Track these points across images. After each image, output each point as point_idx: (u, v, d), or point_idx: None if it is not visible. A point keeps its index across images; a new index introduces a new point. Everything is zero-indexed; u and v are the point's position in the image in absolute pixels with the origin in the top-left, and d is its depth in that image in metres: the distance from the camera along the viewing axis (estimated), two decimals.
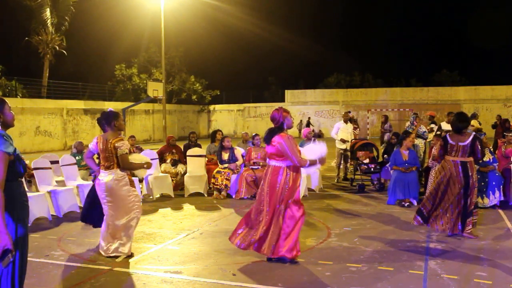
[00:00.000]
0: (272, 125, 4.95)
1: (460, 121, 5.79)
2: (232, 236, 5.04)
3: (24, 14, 27.55)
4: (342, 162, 10.71)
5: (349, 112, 11.69)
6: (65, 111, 24.29)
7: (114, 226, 5.04)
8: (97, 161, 5.59)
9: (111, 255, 5.07)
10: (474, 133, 5.84)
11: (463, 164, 5.70)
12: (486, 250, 5.22)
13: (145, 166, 5.20)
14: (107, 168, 4.98)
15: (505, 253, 5.11)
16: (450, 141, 5.80)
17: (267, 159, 4.97)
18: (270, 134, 4.87)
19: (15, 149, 3.03)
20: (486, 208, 7.35)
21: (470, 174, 5.68)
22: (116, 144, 4.91)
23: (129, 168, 5.04)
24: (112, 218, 5.03)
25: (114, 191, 4.95)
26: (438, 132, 9.36)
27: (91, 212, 5.89)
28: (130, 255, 5.14)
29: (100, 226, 5.37)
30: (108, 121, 5.05)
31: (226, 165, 8.98)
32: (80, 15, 29.83)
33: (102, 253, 5.14)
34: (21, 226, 3.04)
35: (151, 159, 5.75)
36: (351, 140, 10.34)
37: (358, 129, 11.57)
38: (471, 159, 5.73)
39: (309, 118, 31.83)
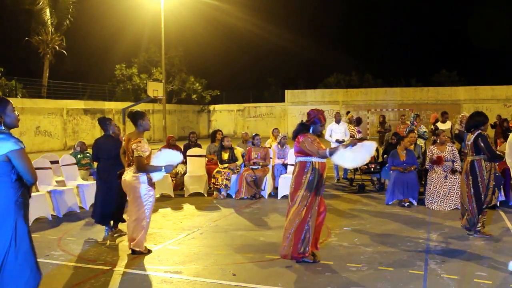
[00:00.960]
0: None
1: (470, 118, 5.92)
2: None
3: (24, 14, 27.55)
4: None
5: (348, 112, 11.57)
6: (65, 111, 24.29)
7: (129, 221, 5.22)
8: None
9: (135, 249, 5.22)
10: (478, 131, 5.86)
11: (472, 163, 5.79)
12: (486, 250, 5.22)
13: (162, 169, 5.11)
14: (129, 165, 5.24)
15: (505, 253, 5.11)
16: (466, 141, 5.96)
17: (295, 157, 5.01)
18: (297, 132, 4.95)
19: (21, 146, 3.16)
20: (486, 208, 7.34)
21: (478, 172, 5.73)
22: (133, 146, 5.06)
23: (142, 170, 5.08)
24: (129, 213, 5.25)
25: (131, 187, 5.12)
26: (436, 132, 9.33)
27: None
28: (147, 252, 5.25)
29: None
30: (134, 120, 5.24)
31: (226, 164, 8.98)
32: (80, 15, 29.81)
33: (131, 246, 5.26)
34: (22, 222, 3.12)
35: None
36: (349, 139, 10.30)
37: (360, 134, 11.08)
38: (481, 157, 5.77)
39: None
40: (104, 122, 6.29)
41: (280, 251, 4.91)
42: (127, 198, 5.35)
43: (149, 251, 5.30)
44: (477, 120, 5.81)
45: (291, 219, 4.82)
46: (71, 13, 28.33)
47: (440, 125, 10.38)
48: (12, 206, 3.03)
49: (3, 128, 3.08)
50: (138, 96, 31.50)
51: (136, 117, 5.22)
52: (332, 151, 4.70)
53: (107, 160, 6.13)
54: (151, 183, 5.20)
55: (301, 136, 4.85)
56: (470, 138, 5.80)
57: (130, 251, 5.24)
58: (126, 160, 5.34)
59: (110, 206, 6.06)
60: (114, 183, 5.83)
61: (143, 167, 5.05)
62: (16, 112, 3.22)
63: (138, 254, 5.18)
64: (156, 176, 5.21)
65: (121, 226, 6.26)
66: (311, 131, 4.93)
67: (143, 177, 5.11)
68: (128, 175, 5.17)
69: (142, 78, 31.77)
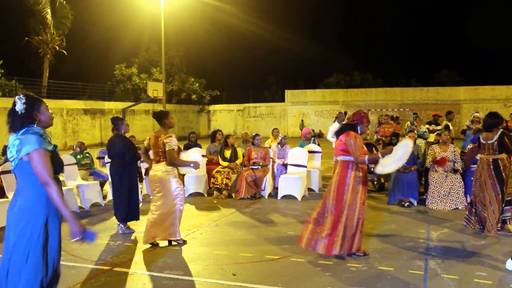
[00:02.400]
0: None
1: (490, 118, 5.98)
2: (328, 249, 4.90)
3: (24, 14, 27.56)
4: None
5: (345, 112, 11.48)
6: (65, 111, 24.29)
7: (161, 214, 5.42)
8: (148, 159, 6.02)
9: (157, 242, 5.55)
10: (501, 130, 5.98)
11: (494, 161, 5.87)
12: (486, 250, 5.22)
13: (191, 165, 5.42)
14: (158, 162, 5.48)
15: (505, 253, 5.11)
16: (482, 140, 6.03)
17: (334, 156, 5.04)
18: (341, 131, 5.00)
19: (54, 147, 3.16)
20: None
21: (500, 170, 5.83)
22: (164, 140, 5.35)
23: (175, 163, 5.39)
24: (157, 208, 5.44)
25: (163, 182, 5.40)
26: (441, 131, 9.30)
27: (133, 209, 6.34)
28: (183, 242, 5.64)
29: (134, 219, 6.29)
30: (159, 119, 5.51)
31: (226, 163, 8.98)
32: (80, 15, 29.82)
33: (156, 241, 5.56)
34: (52, 221, 3.22)
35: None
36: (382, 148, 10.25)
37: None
38: (503, 156, 5.87)
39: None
40: (116, 122, 6.45)
41: (335, 250, 4.84)
42: (156, 192, 5.52)
43: (184, 242, 5.67)
44: (496, 121, 5.95)
45: (347, 218, 4.82)
46: (71, 13, 28.27)
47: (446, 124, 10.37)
48: (44, 201, 3.11)
49: (35, 126, 3.10)
50: (138, 96, 31.51)
51: (161, 117, 5.50)
52: (371, 160, 4.80)
53: (119, 159, 6.27)
54: (180, 178, 5.54)
55: (344, 136, 4.89)
56: (492, 137, 5.90)
57: (135, 249, 5.24)
58: (154, 157, 5.57)
59: (124, 203, 6.25)
60: (127, 181, 6.22)
61: (175, 160, 5.36)
62: (50, 111, 3.27)
63: (174, 245, 5.55)
64: (184, 170, 5.57)
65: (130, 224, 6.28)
66: (358, 129, 4.99)
67: (173, 172, 5.45)
68: (159, 170, 5.43)
69: (142, 78, 31.77)
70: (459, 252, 5.17)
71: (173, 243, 5.63)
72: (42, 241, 3.11)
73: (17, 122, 3.03)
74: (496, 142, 5.86)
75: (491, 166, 5.90)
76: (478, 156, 6.14)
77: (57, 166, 3.16)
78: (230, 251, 5.35)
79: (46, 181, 2.96)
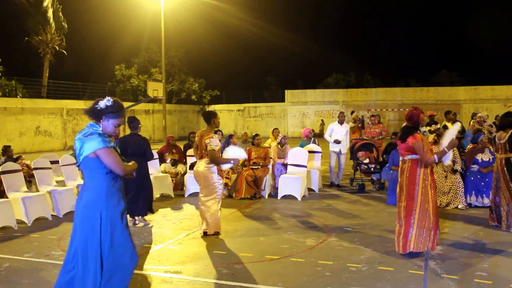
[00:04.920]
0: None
1: (505, 117, 6.11)
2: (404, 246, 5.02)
3: (24, 14, 27.55)
4: (336, 165, 9.95)
5: (352, 112, 11.36)
6: (65, 111, 24.28)
7: (203, 206, 5.88)
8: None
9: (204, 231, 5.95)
10: None
11: (507, 160, 5.99)
12: (486, 250, 5.22)
13: (231, 162, 5.83)
14: (201, 157, 5.93)
15: (505, 253, 5.11)
16: (496, 140, 6.15)
17: (401, 156, 5.18)
18: (405, 133, 5.09)
19: (115, 144, 3.44)
20: (486, 208, 7.34)
21: None
22: (206, 141, 5.79)
23: (214, 162, 5.82)
24: (201, 201, 5.90)
25: (204, 177, 5.84)
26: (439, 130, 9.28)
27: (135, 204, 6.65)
28: (218, 233, 5.97)
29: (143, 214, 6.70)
30: (208, 118, 5.96)
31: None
32: (80, 15, 29.84)
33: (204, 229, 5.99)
34: (113, 210, 3.36)
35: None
36: (352, 140, 10.27)
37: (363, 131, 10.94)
38: None
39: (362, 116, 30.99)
40: (134, 121, 6.87)
41: (414, 247, 4.95)
42: (201, 186, 5.94)
43: (218, 233, 5.99)
44: (509, 120, 6.05)
45: (421, 215, 4.93)
46: (71, 13, 28.28)
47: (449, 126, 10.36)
48: (103, 196, 3.33)
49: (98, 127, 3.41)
50: (137, 97, 31.51)
51: (210, 116, 5.97)
52: (440, 156, 5.02)
53: (141, 157, 6.54)
54: (220, 173, 6.04)
55: (412, 139, 4.98)
56: (504, 136, 6.00)
57: None
58: (198, 153, 6.02)
59: (145, 198, 6.69)
60: (148, 177, 6.84)
61: (216, 159, 5.78)
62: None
63: (213, 235, 5.92)
64: (225, 166, 5.98)
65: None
66: (420, 128, 5.21)
67: (214, 168, 5.87)
68: (201, 166, 5.86)
69: (140, 79, 31.76)
70: (459, 252, 5.17)
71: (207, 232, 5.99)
72: (106, 231, 3.31)
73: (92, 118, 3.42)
74: (507, 141, 5.97)
75: (504, 165, 6.01)
76: (496, 155, 6.27)
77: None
78: (230, 251, 5.35)
79: (122, 169, 3.34)
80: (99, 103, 3.40)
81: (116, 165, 3.32)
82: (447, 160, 5.21)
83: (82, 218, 3.31)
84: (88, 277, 3.27)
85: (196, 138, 6.18)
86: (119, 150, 3.49)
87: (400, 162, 5.20)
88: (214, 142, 5.75)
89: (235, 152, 5.93)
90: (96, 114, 3.41)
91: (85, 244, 3.29)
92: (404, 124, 5.44)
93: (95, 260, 3.27)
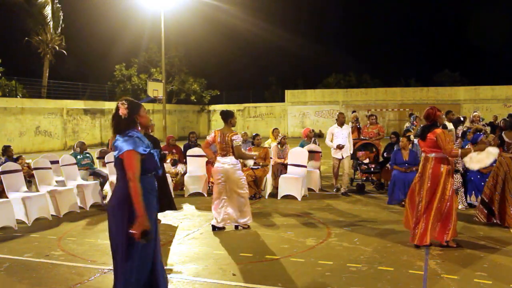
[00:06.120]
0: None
1: (510, 117, 6.21)
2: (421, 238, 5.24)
3: (24, 14, 27.56)
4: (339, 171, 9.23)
5: (353, 111, 11.09)
6: (65, 111, 24.28)
7: (231, 200, 6.17)
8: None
9: (220, 225, 6.24)
10: None
11: None
12: (486, 250, 5.22)
13: (254, 157, 6.50)
14: (224, 155, 6.17)
15: (505, 253, 5.11)
16: (506, 139, 6.26)
17: (424, 153, 5.35)
18: (425, 131, 5.31)
19: (148, 149, 3.42)
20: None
21: None
22: (232, 138, 6.09)
23: (241, 157, 6.25)
24: (227, 194, 6.19)
25: (229, 173, 6.11)
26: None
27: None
28: (248, 227, 6.32)
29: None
30: (226, 118, 6.24)
31: None
32: (80, 15, 29.85)
33: (215, 223, 6.25)
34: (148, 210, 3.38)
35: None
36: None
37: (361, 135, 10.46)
38: None
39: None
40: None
41: (434, 237, 5.21)
42: (221, 182, 6.19)
43: (249, 227, 6.32)
44: None
45: (439, 208, 5.16)
46: (70, 13, 28.30)
47: (448, 124, 10.33)
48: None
49: (136, 131, 3.44)
50: (138, 96, 31.50)
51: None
52: (464, 154, 5.25)
53: None
54: (243, 170, 6.44)
55: (432, 134, 5.16)
56: (511, 136, 6.17)
57: None
58: (220, 151, 6.23)
59: (163, 196, 6.68)
60: (165, 175, 7.14)
61: (242, 154, 6.22)
62: (146, 114, 3.60)
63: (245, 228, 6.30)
64: (249, 163, 6.58)
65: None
66: (438, 125, 5.34)
67: (238, 165, 6.22)
68: (226, 163, 6.14)
69: (141, 78, 31.77)
70: (459, 252, 5.17)
71: (239, 227, 6.32)
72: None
73: (122, 125, 3.40)
74: None
75: (510, 164, 6.18)
76: (504, 154, 6.35)
77: (150, 165, 3.41)
78: (230, 251, 5.35)
79: (129, 177, 3.27)
80: (119, 111, 3.41)
81: (129, 169, 3.29)
82: (468, 159, 5.26)
83: (114, 217, 3.38)
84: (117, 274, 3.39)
85: (210, 137, 6.37)
86: (155, 156, 3.47)
87: (422, 159, 5.38)
88: (239, 139, 6.12)
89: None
90: (128, 121, 3.41)
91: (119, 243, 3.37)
92: (423, 124, 5.60)
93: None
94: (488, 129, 8.98)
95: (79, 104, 25.34)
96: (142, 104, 3.60)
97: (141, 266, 3.34)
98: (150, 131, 7.05)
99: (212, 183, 8.85)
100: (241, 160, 6.71)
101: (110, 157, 8.88)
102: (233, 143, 6.09)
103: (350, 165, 9.49)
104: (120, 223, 3.29)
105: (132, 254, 3.30)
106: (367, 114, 10.96)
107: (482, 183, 7.34)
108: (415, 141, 9.38)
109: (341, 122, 9.09)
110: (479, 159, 5.16)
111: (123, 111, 3.41)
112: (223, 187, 6.19)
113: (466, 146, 8.23)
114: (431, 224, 5.19)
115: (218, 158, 6.25)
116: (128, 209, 3.27)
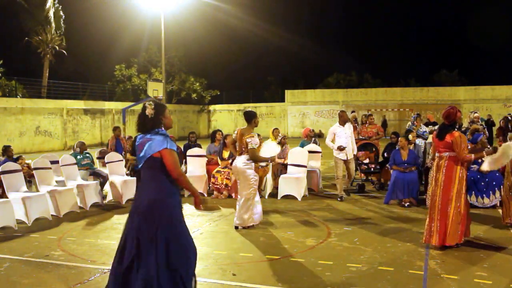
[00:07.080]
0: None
1: None
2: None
3: (24, 14, 27.57)
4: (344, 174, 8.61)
5: (352, 111, 11.05)
6: (65, 111, 24.28)
7: (241, 200, 6.22)
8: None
9: (249, 225, 6.29)
10: None
11: None
12: (486, 250, 5.22)
13: (269, 160, 6.57)
14: (240, 154, 6.32)
15: (505, 253, 5.11)
16: (509, 139, 6.29)
17: (438, 152, 5.37)
18: (443, 131, 5.29)
19: (177, 147, 3.64)
20: (486, 208, 7.35)
21: None
22: (247, 140, 6.16)
23: (254, 160, 6.29)
24: (241, 194, 6.25)
25: (241, 172, 6.21)
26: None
27: None
28: (251, 226, 6.29)
29: None
30: (249, 118, 6.35)
31: (225, 164, 8.97)
32: (80, 15, 29.86)
33: (240, 224, 6.32)
34: (178, 209, 3.66)
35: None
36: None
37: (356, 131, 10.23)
38: None
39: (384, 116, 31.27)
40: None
41: (444, 241, 5.16)
42: (240, 181, 6.32)
43: (253, 226, 6.33)
44: None
45: (454, 208, 5.15)
46: (70, 14, 28.34)
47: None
48: (165, 194, 3.53)
49: (162, 129, 3.61)
50: (138, 96, 31.51)
51: (251, 116, 6.36)
52: (477, 157, 5.32)
53: None
54: (256, 170, 6.50)
55: (450, 136, 5.17)
56: None
57: None
58: (238, 150, 6.39)
59: None
60: None
61: (256, 157, 6.27)
62: (170, 115, 3.75)
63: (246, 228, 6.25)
64: (263, 164, 6.66)
65: None
66: (457, 126, 5.36)
67: (251, 164, 6.25)
68: (239, 162, 6.24)
69: (141, 78, 31.78)
70: (459, 252, 5.17)
71: (239, 227, 6.29)
72: (177, 228, 3.54)
73: (148, 124, 3.57)
74: None
75: None
76: None
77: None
78: (230, 251, 5.35)
79: (178, 173, 3.49)
80: (146, 111, 3.57)
81: (176, 166, 3.48)
82: (485, 164, 5.28)
83: (152, 219, 3.47)
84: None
85: (234, 134, 6.53)
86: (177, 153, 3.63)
87: (437, 158, 5.39)
88: (254, 141, 6.15)
89: (272, 149, 6.55)
90: (154, 121, 3.57)
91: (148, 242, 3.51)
92: (441, 122, 5.61)
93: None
94: (485, 131, 8.98)
95: (79, 104, 25.34)
96: (166, 105, 3.76)
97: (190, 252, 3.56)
98: None
99: (213, 183, 8.89)
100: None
101: (110, 157, 8.88)
102: (248, 145, 6.19)
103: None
104: (154, 229, 3.42)
105: (184, 246, 3.50)
106: (365, 114, 10.83)
107: (482, 183, 7.35)
108: (417, 141, 9.39)
109: (343, 120, 8.41)
110: (496, 160, 5.17)
111: (149, 111, 3.56)
112: (241, 186, 6.35)
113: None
114: (451, 226, 5.15)
115: (237, 156, 6.46)
116: (159, 213, 3.42)
